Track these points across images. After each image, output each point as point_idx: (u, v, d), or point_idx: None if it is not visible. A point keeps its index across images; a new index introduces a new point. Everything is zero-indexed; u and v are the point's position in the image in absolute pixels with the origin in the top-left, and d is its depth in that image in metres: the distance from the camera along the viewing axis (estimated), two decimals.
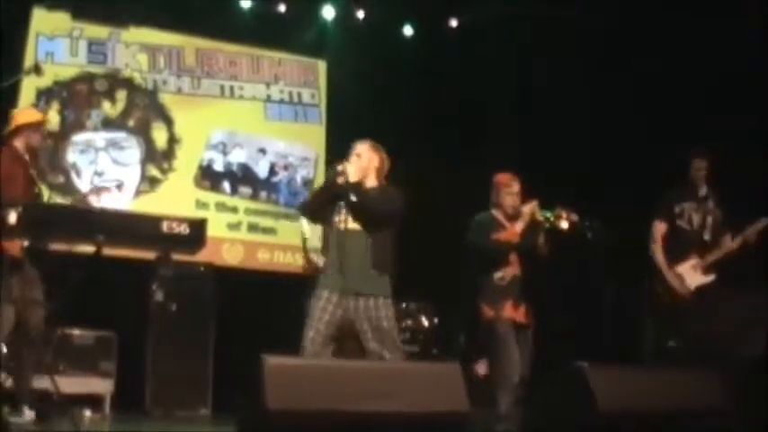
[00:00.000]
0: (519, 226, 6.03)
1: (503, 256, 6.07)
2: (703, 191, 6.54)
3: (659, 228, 6.54)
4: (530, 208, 6.06)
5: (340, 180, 5.26)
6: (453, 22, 9.73)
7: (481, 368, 6.45)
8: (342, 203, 5.29)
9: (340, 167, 5.29)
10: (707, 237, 6.45)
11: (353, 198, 5.22)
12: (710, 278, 6.38)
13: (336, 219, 5.29)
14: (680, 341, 6.31)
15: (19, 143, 5.85)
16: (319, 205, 5.40)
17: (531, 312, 6.08)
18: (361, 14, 9.56)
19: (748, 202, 6.45)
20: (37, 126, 5.95)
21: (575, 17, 8.49)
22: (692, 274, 6.38)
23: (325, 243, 5.41)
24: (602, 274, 7.32)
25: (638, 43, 8.19)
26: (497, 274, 6.04)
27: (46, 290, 5.82)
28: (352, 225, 5.26)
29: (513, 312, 5.97)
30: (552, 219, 6.06)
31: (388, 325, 5.20)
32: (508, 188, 6.18)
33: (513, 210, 6.13)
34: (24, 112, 6.32)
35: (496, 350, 5.92)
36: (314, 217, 5.63)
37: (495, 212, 6.22)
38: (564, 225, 6.05)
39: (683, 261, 6.42)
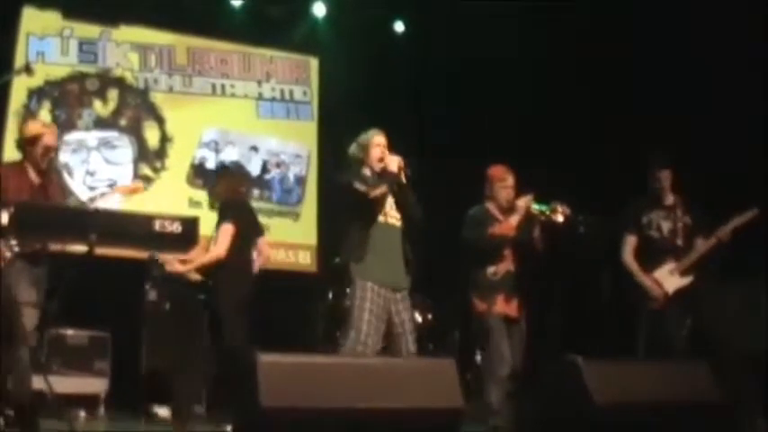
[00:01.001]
0: (514, 219, 6.01)
1: (497, 250, 6.06)
2: (669, 199, 6.46)
3: (630, 240, 6.47)
4: (525, 201, 6.04)
5: (400, 173, 5.39)
6: (443, 18, 9.73)
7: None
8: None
9: (400, 161, 5.40)
10: (680, 242, 6.38)
11: (408, 191, 5.45)
12: (688, 280, 6.30)
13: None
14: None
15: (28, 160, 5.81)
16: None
17: (524, 305, 6.07)
18: (351, 11, 9.57)
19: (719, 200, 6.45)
20: (32, 141, 5.84)
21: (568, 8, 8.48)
22: (668, 278, 6.31)
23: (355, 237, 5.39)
24: (596, 268, 7.33)
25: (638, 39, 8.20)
26: (490, 269, 6.02)
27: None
28: (391, 220, 5.41)
29: (504, 306, 5.96)
30: (548, 212, 6.06)
31: (414, 317, 5.51)
32: (502, 182, 6.17)
33: (508, 203, 6.12)
34: (26, 127, 6.08)
35: (486, 344, 5.92)
36: None
37: (489, 206, 6.20)
38: (559, 219, 6.05)
39: (659, 267, 6.35)
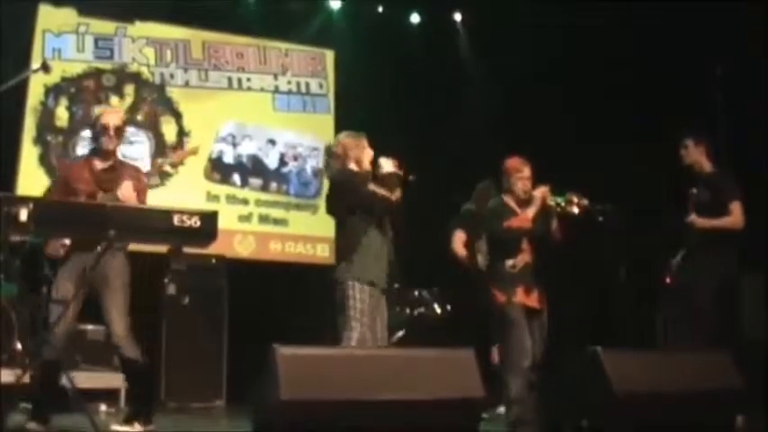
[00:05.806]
0: (531, 212, 6.00)
1: (515, 243, 6.04)
2: None
3: None
4: (541, 193, 6.03)
5: (401, 170, 5.61)
6: (460, 11, 9.72)
7: (497, 356, 6.49)
8: None
9: (393, 160, 5.65)
10: None
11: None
12: None
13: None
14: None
15: None
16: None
17: (544, 297, 6.06)
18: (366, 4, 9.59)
19: None
20: (94, 123, 5.71)
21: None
22: None
23: (350, 237, 5.53)
24: (614, 257, 7.30)
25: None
26: (509, 262, 6.00)
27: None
28: (386, 226, 5.62)
29: (524, 297, 5.93)
30: (563, 204, 6.04)
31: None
32: (519, 173, 6.15)
33: (525, 194, 6.10)
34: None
35: (507, 335, 5.88)
36: None
37: (507, 198, 6.19)
38: (575, 210, 6.03)
39: None
